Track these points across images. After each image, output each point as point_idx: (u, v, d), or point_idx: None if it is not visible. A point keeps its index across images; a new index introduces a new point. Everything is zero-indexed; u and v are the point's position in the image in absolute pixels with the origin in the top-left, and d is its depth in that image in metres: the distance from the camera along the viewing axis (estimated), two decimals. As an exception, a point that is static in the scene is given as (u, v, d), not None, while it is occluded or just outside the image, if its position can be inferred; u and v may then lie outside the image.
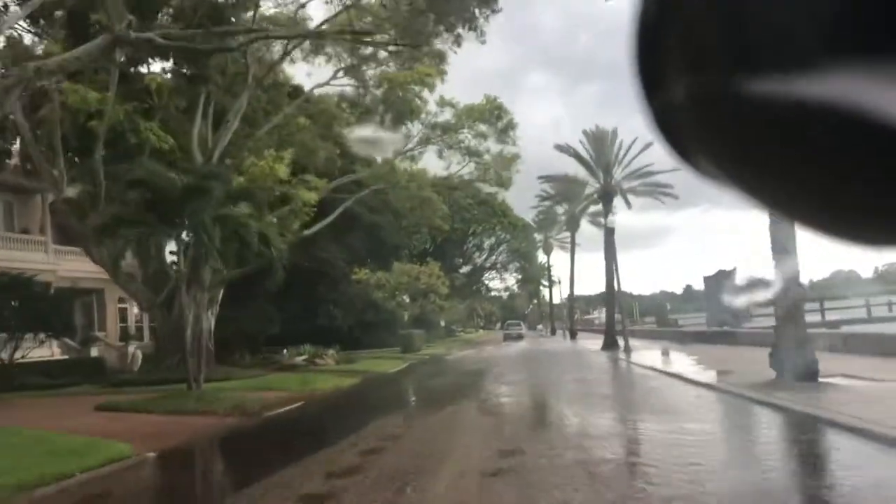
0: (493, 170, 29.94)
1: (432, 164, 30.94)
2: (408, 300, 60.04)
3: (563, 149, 32.61)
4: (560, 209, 54.23)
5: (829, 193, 0.46)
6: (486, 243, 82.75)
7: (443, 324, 73.01)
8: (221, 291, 25.94)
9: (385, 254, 42.64)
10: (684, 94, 0.47)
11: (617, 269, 29.13)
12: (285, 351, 32.37)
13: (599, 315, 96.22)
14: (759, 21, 0.42)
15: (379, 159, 28.29)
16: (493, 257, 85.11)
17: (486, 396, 16.06)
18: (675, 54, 0.47)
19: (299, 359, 31.76)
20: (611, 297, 33.43)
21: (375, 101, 27.52)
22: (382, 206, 38.58)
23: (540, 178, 33.62)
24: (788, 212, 0.50)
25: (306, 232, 25.20)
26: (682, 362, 20.48)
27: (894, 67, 0.38)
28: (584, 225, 53.96)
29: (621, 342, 32.36)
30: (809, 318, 30.79)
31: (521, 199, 78.69)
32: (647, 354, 26.19)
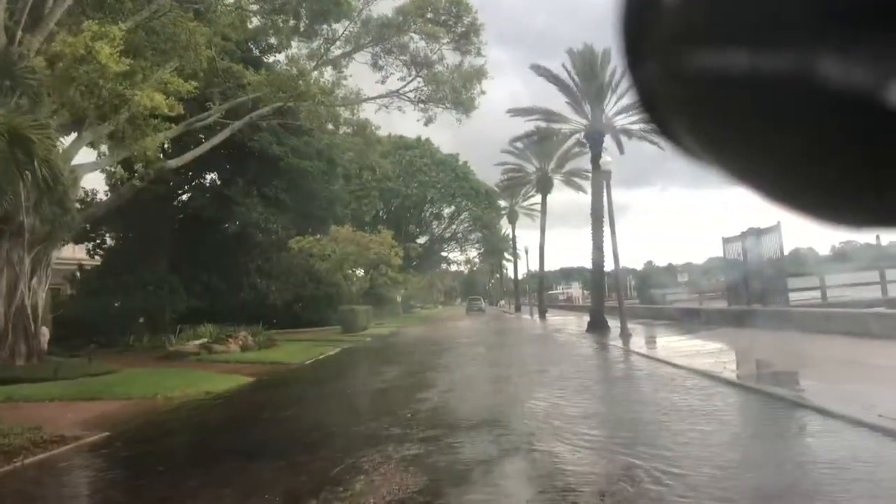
0: (450, 85, 22.22)
1: (365, 77, 23.14)
2: (360, 273, 53.25)
3: (542, 71, 25.20)
4: (531, 167, 46.96)
5: (810, 173, 0.45)
6: (446, 211, 75.21)
7: (399, 299, 66.08)
8: (55, 250, 18.02)
9: (318, 211, 34.82)
10: (666, 69, 0.47)
11: (613, 226, 21.94)
12: (173, 335, 24.58)
13: (565, 291, 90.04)
14: None
15: (282, 59, 20.37)
16: (454, 226, 77.65)
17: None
18: (658, 30, 0.47)
19: (194, 343, 24.07)
20: (599, 266, 26.31)
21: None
22: (312, 150, 30.81)
23: (510, 111, 26.30)
24: (767, 190, 0.48)
25: (171, 162, 17.32)
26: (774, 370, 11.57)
27: (877, 44, 0.38)
28: (554, 194, 47.25)
29: (611, 323, 25.44)
30: (800, 296, 24.30)
31: (481, 171, 71.33)
32: (663, 344, 19.31)
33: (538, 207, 53.30)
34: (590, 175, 41.23)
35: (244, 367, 19.51)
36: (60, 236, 16.17)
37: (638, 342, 19.48)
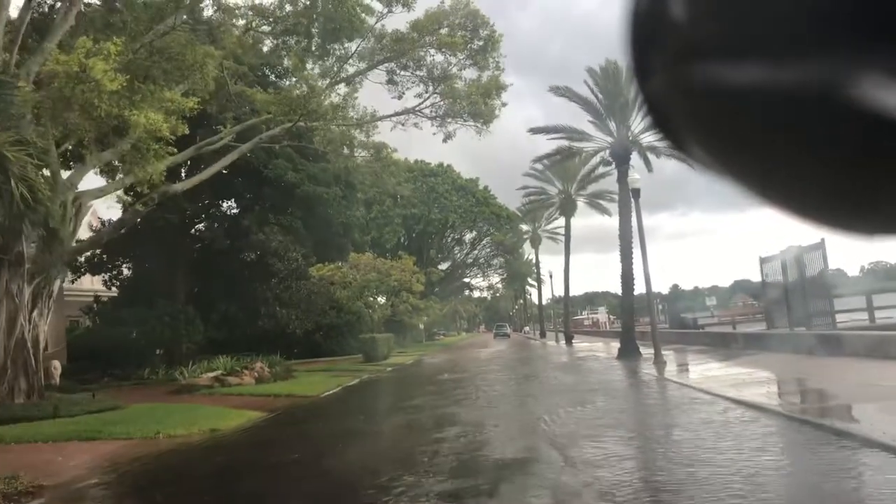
0: (468, 98, 21.15)
1: (380, 97, 22.28)
2: (382, 300, 52.44)
3: (562, 91, 24.25)
4: (553, 189, 45.93)
5: (818, 181, 0.46)
6: (467, 237, 74.21)
7: (421, 326, 65.04)
8: (59, 282, 17.22)
9: (335, 238, 33.94)
10: (675, 83, 0.47)
11: (643, 245, 20.80)
12: (186, 368, 23.70)
13: (590, 316, 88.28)
14: (747, 11, 0.43)
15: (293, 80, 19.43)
16: (475, 252, 76.58)
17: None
18: (665, 44, 0.47)
19: (208, 376, 23.20)
20: (628, 288, 25.07)
21: (301, 13, 18.97)
22: (329, 176, 29.97)
23: (531, 130, 25.40)
24: (777, 199, 0.49)
25: (176, 186, 16.46)
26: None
27: (881, 56, 0.39)
28: (577, 218, 46.09)
29: (642, 350, 24.17)
30: (847, 318, 22.70)
31: (501, 198, 70.33)
32: (703, 372, 18.06)
33: (561, 231, 52.30)
34: (614, 196, 40.31)
35: (257, 400, 18.59)
36: (57, 263, 15.35)
37: (675, 370, 18.25)
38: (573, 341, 43.98)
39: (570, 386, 17.12)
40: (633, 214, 22.35)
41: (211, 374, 23.47)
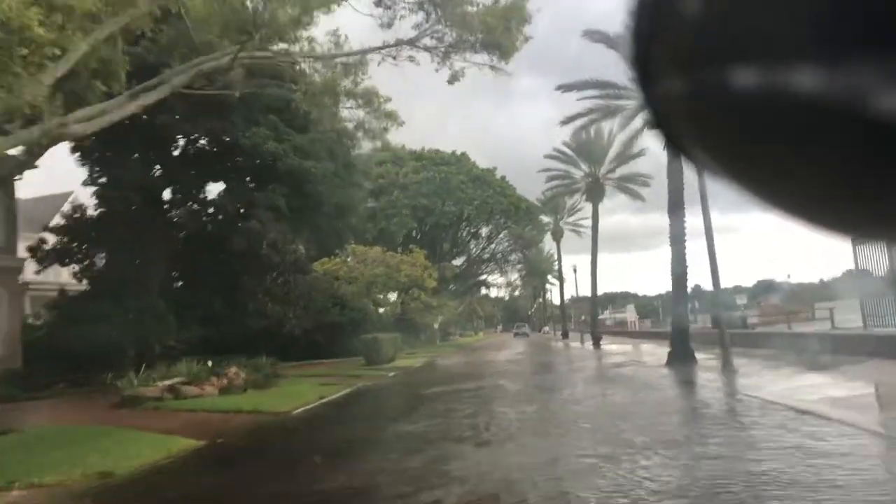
0: (483, 24, 16.44)
1: (369, 38, 17.68)
2: (393, 297, 48.65)
3: (598, 37, 19.74)
4: (578, 172, 41.39)
5: (824, 187, 0.46)
6: (484, 230, 69.63)
7: (436, 326, 60.94)
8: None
9: (325, 219, 29.48)
10: (679, 87, 0.47)
11: (707, 218, 16.34)
12: (135, 375, 19.40)
13: (612, 316, 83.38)
14: (754, 14, 0.42)
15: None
16: (492, 246, 71.95)
17: None
18: (670, 47, 0.47)
19: (162, 384, 18.89)
20: (681, 279, 20.34)
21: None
22: (319, 149, 25.59)
23: (559, 87, 21.24)
24: (783, 206, 0.49)
25: (76, 127, 11.94)
26: None
27: (888, 62, 0.38)
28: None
29: (697, 355, 19.60)
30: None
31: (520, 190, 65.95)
32: (808, 388, 13.51)
33: (584, 223, 48.10)
34: (647, 180, 36.16)
35: (208, 419, 14.43)
36: None
37: (761, 384, 13.54)
38: (601, 343, 39.32)
39: (622, 410, 12.19)
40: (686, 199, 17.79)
41: (166, 383, 19.14)
